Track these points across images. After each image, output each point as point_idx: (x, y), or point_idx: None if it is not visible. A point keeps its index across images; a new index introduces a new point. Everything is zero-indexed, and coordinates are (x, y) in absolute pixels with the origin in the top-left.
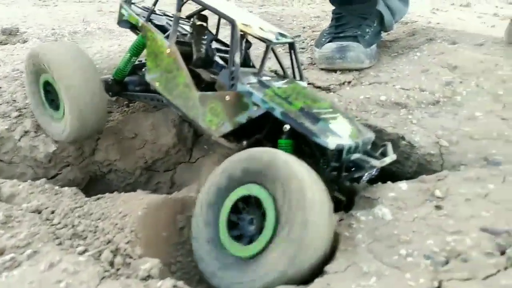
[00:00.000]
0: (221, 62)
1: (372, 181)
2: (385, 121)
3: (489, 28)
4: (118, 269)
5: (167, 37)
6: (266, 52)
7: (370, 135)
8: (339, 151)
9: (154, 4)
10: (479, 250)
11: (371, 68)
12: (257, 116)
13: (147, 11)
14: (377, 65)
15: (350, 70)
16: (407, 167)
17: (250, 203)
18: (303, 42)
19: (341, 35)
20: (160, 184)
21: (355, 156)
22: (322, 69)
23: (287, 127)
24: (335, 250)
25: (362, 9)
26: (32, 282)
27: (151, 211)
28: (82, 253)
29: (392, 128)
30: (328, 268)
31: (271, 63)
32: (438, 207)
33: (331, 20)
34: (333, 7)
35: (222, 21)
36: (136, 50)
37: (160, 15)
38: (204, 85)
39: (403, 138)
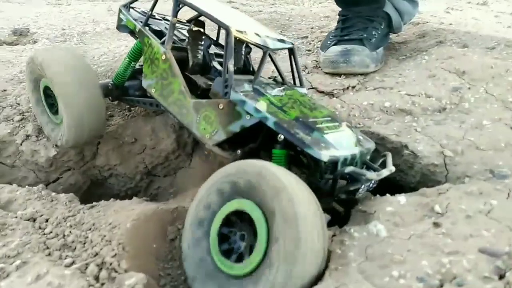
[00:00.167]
0: (219, 67)
1: (372, 191)
2: (389, 128)
3: (505, 28)
4: (103, 284)
5: (163, 42)
6: (262, 59)
7: (370, 145)
8: (333, 163)
9: (152, 9)
10: (475, 274)
11: (376, 72)
12: (250, 125)
13: (145, 16)
14: (383, 69)
15: (355, 74)
16: (410, 176)
17: (240, 218)
18: (310, 43)
19: (347, 38)
20: (161, 189)
21: (350, 169)
22: (326, 73)
23: (281, 137)
24: (326, 268)
25: (369, 11)
26: None
27: (141, 223)
28: (69, 265)
29: (395, 136)
30: None
31: (273, 68)
32: (436, 224)
33: (337, 22)
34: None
35: None
36: (135, 55)
37: (159, 19)
38: (200, 92)
39: (406, 146)
